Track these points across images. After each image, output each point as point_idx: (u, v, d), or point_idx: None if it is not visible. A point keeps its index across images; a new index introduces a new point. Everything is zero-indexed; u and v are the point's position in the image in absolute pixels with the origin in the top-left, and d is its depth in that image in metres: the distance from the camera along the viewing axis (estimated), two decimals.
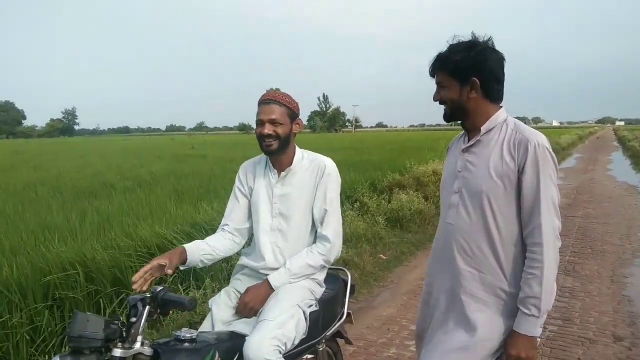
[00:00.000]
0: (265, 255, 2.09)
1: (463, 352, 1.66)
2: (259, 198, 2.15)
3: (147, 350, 1.51)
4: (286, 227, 2.10)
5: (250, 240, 2.25)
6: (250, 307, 1.98)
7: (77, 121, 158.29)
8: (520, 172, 1.60)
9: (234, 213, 2.20)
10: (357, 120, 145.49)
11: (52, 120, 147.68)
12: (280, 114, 2.03)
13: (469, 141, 1.75)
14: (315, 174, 2.11)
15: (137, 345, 1.48)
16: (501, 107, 1.72)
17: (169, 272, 1.79)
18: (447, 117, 1.76)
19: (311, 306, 2.05)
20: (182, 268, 1.98)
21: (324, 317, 2.12)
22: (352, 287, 2.40)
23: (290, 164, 2.12)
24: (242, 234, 2.21)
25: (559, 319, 4.01)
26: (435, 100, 1.75)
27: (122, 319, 1.49)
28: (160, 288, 1.57)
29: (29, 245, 4.48)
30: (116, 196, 7.83)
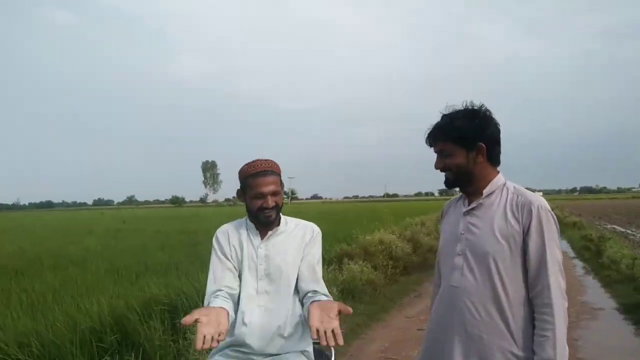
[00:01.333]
0: (251, 319, 1.94)
1: None
2: (243, 261, 2.02)
3: None
4: (273, 288, 1.99)
5: None
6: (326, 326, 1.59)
7: None
8: (525, 233, 1.63)
9: (226, 276, 1.99)
10: (292, 192, 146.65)
11: None
12: (277, 184, 2.00)
13: (469, 204, 1.77)
14: (303, 234, 2.06)
15: None
16: (499, 172, 1.77)
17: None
18: (450, 183, 1.78)
19: None
20: None
21: None
22: None
23: (278, 224, 2.05)
24: (234, 300, 1.99)
25: None
26: (437, 168, 1.77)
27: None
28: None
29: None
30: (45, 274, 7.23)
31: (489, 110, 1.73)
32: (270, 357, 1.94)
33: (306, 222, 2.12)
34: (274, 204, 1.96)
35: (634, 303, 6.55)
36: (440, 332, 1.81)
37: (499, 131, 1.74)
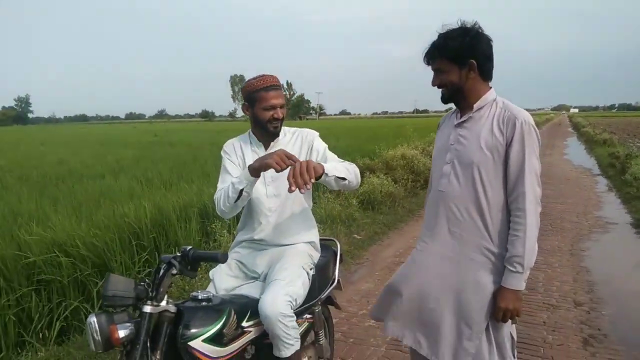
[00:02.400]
0: (266, 224, 2.21)
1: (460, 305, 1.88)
2: None
3: (172, 308, 1.63)
4: (281, 191, 2.20)
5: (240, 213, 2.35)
6: (306, 168, 1.80)
7: (30, 109, 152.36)
8: (508, 145, 1.79)
9: (232, 171, 2.22)
10: (320, 108, 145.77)
11: (3, 107, 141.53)
12: (284, 98, 2.20)
13: (461, 117, 1.93)
14: (300, 139, 2.27)
15: (164, 303, 1.60)
16: (491, 87, 1.91)
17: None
18: (445, 99, 1.94)
19: (311, 269, 2.21)
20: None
21: (319, 281, 2.30)
22: (341, 255, 2.60)
23: (277, 135, 2.24)
24: None
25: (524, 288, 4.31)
26: (433, 84, 1.92)
27: (147, 281, 1.61)
28: (189, 247, 1.68)
29: (4, 230, 4.44)
30: (85, 183, 7.73)
31: (480, 28, 1.83)
32: (282, 247, 2.23)
33: (302, 129, 2.33)
34: (282, 115, 2.17)
35: None
36: (428, 231, 2.04)
37: (490, 47, 1.85)
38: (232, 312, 1.80)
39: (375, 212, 7.26)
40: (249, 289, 2.09)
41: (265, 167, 1.92)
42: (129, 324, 1.51)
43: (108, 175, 8.57)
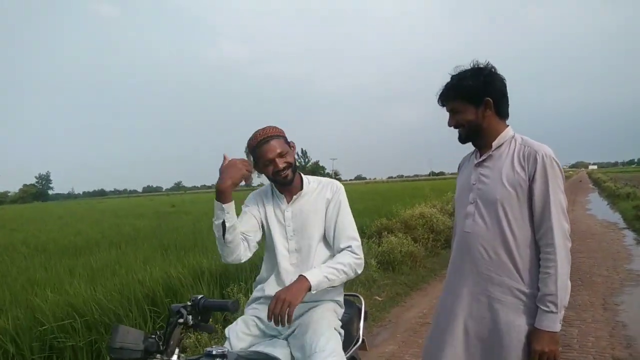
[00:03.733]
0: (287, 279, 2.09)
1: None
2: (271, 224, 2.17)
3: None
4: (303, 246, 2.12)
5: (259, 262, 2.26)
6: (286, 301, 1.77)
7: (51, 185, 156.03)
8: (531, 180, 1.74)
9: (244, 220, 2.16)
10: (336, 173, 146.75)
11: (24, 185, 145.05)
12: (281, 145, 2.08)
13: (480, 156, 1.89)
14: (326, 191, 2.18)
15: (174, 358, 1.50)
16: (508, 125, 1.87)
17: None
18: (463, 139, 1.91)
19: (341, 329, 2.06)
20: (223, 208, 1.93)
21: (343, 340, 2.13)
22: (365, 313, 2.43)
23: (301, 187, 2.17)
24: (249, 242, 2.15)
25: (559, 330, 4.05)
26: (450, 125, 1.90)
27: (158, 333, 1.51)
28: (200, 296, 1.59)
29: (20, 298, 4.39)
30: (101, 252, 7.72)
31: (493, 67, 1.82)
32: (304, 304, 2.05)
33: (327, 179, 2.25)
34: (284, 164, 2.05)
35: None
36: (455, 274, 1.95)
37: (504, 85, 1.84)
38: None
39: (395, 273, 7.05)
40: (268, 347, 1.94)
41: (224, 182, 1.90)
42: None
43: (124, 244, 8.56)
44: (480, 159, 1.88)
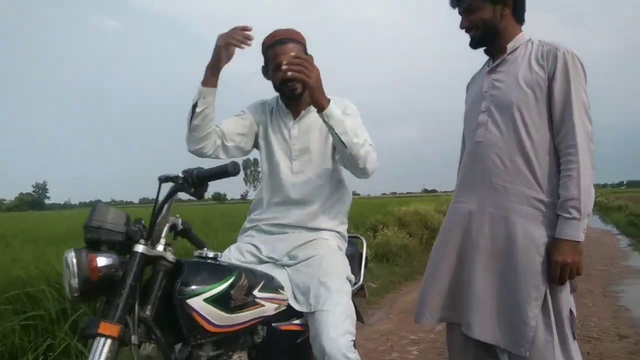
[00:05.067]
0: (284, 197, 1.89)
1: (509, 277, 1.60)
2: (274, 139, 1.94)
3: (170, 256, 1.35)
4: (309, 167, 1.90)
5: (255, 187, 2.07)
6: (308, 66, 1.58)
7: (47, 195, 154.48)
8: (551, 79, 1.59)
9: (232, 121, 1.91)
10: None
11: (21, 193, 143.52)
12: (298, 51, 1.80)
13: (494, 62, 1.74)
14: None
15: (160, 248, 1.33)
16: (522, 30, 1.73)
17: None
18: (475, 42, 1.74)
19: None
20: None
21: None
22: (366, 258, 2.21)
23: (309, 103, 1.86)
24: (226, 142, 1.88)
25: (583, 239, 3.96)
26: (462, 27, 1.73)
27: (142, 222, 1.35)
28: (194, 168, 1.37)
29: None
30: None
31: None
32: (306, 231, 1.89)
33: (337, 96, 1.90)
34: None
35: None
36: (465, 189, 1.78)
37: None
38: (244, 275, 1.49)
39: (390, 264, 6.92)
40: (265, 270, 1.74)
41: (218, 56, 1.66)
42: (112, 256, 1.24)
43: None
44: (494, 65, 1.73)
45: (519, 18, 1.72)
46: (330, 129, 1.68)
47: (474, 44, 1.75)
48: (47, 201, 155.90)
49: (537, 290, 1.55)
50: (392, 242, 7.16)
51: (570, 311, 1.62)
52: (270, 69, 1.85)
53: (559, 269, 1.53)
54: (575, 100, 1.56)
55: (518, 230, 1.60)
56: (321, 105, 1.63)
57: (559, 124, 1.59)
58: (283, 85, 1.82)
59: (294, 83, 1.79)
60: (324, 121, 1.67)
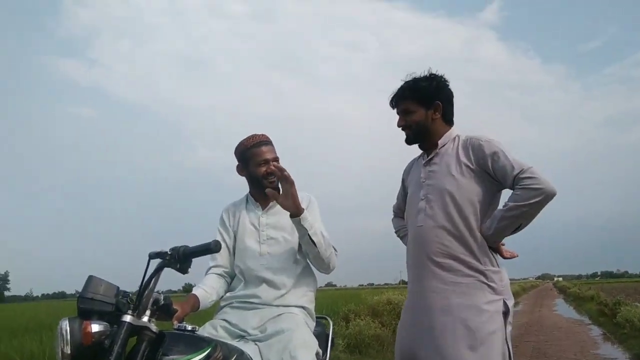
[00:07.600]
0: (254, 277, 2.12)
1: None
2: (244, 230, 2.20)
3: (154, 327, 1.51)
4: (276, 250, 2.14)
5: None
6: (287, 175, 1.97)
7: (7, 286, 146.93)
8: (480, 164, 1.87)
9: (220, 255, 2.20)
10: None
11: None
12: (275, 152, 2.19)
13: (428, 156, 2.04)
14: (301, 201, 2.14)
15: (145, 319, 1.49)
16: (451, 127, 2.04)
17: (175, 322, 1.74)
18: (410, 140, 2.05)
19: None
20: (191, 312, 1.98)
21: None
22: (332, 339, 2.35)
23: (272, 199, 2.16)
24: (230, 275, 2.23)
25: None
26: (399, 126, 2.04)
27: (130, 295, 1.52)
28: (180, 246, 1.55)
29: None
30: None
31: (444, 76, 2.03)
32: (275, 307, 2.08)
33: (304, 193, 2.21)
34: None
35: None
36: (411, 269, 2.01)
37: (452, 94, 2.04)
38: (219, 347, 1.64)
39: (363, 355, 6.88)
40: (236, 345, 1.91)
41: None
42: (104, 324, 1.39)
43: None
44: (428, 159, 2.01)
45: (448, 120, 2.04)
46: (303, 230, 2.00)
47: (408, 141, 2.07)
48: (7, 293, 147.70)
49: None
50: (364, 332, 7.16)
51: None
52: (253, 164, 2.16)
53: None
54: (504, 159, 1.83)
55: (453, 303, 1.81)
56: (298, 211, 1.97)
57: (504, 178, 1.84)
58: (266, 178, 2.14)
59: (273, 177, 2.11)
60: (299, 224, 1.98)
